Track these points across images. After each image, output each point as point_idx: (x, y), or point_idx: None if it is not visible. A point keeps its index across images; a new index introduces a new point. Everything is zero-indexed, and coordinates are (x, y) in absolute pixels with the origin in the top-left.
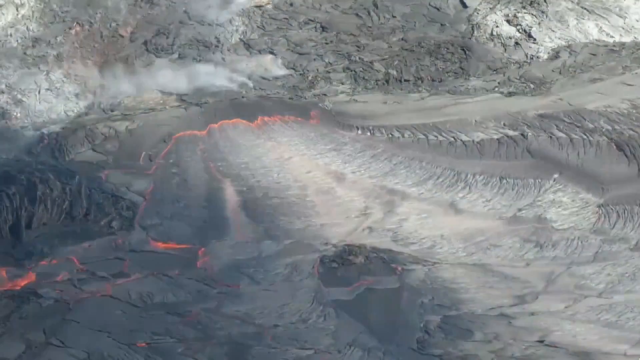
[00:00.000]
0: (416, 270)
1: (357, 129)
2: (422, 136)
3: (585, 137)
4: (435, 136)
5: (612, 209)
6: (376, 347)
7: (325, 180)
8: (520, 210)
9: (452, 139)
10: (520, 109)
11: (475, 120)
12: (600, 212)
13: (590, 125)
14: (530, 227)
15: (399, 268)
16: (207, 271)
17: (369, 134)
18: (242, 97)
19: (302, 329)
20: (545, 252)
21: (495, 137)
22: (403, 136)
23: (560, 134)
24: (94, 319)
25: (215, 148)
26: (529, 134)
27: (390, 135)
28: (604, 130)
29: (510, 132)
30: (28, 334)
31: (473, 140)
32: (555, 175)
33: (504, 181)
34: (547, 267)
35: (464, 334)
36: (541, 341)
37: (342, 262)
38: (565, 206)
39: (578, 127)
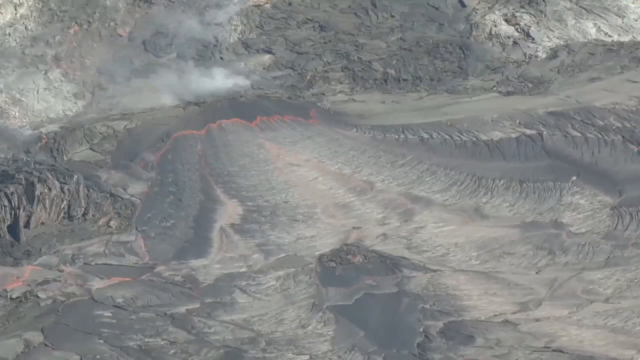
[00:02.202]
0: (417, 276)
1: (395, 132)
2: (447, 137)
3: (600, 135)
4: (459, 137)
5: (625, 210)
6: (376, 351)
7: (345, 195)
8: (540, 214)
9: (474, 139)
10: (530, 107)
11: (492, 119)
12: (614, 214)
13: (601, 123)
14: (542, 233)
15: (399, 275)
16: (194, 284)
17: (402, 136)
18: (241, 96)
19: (301, 335)
20: (557, 258)
21: (514, 135)
22: (432, 137)
23: (575, 133)
24: (84, 322)
25: (221, 169)
26: (544, 132)
27: (421, 138)
28: (614, 127)
29: (528, 131)
30: (26, 334)
31: (492, 140)
32: (574, 178)
33: (524, 185)
34: (554, 274)
35: (465, 339)
36: (547, 346)
37: (341, 262)
38: (582, 209)
39: (588, 124)
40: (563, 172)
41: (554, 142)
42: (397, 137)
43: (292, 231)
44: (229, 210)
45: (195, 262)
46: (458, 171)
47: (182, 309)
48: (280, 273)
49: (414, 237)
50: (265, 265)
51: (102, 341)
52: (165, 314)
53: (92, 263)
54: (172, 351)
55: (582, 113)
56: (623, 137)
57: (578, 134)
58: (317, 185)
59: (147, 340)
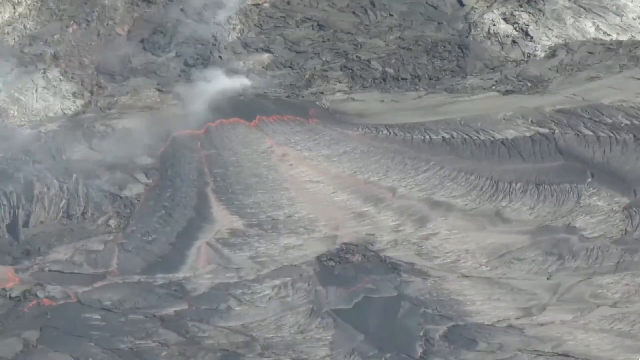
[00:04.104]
0: (415, 281)
1: (420, 134)
2: (467, 137)
3: (612, 134)
4: (477, 136)
5: (635, 211)
6: (376, 355)
7: (363, 205)
8: (559, 217)
9: (491, 139)
10: (538, 105)
11: (504, 118)
12: (625, 214)
13: (609, 120)
14: (554, 238)
15: (398, 278)
16: (179, 287)
17: (427, 137)
18: (240, 95)
19: (299, 339)
20: (567, 263)
21: (528, 134)
22: (452, 136)
23: (587, 132)
24: (74, 325)
25: (227, 187)
26: (556, 131)
27: (443, 138)
28: (622, 125)
29: (541, 130)
30: (25, 333)
31: (507, 138)
32: (589, 179)
33: (541, 187)
34: (562, 279)
35: (467, 343)
36: (554, 351)
37: (340, 261)
38: (598, 212)
39: (597, 122)
40: (578, 174)
41: (566, 141)
42: (422, 138)
43: (278, 242)
44: (221, 226)
45: (163, 277)
46: (477, 175)
47: (170, 311)
48: (277, 282)
49: (425, 244)
50: (260, 275)
51: (93, 344)
52: (154, 316)
53: (46, 270)
54: (163, 353)
55: (590, 111)
56: (634, 135)
57: (590, 133)
58: (334, 199)
59: (137, 342)
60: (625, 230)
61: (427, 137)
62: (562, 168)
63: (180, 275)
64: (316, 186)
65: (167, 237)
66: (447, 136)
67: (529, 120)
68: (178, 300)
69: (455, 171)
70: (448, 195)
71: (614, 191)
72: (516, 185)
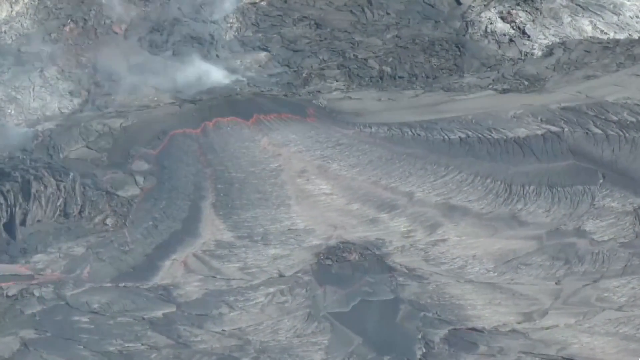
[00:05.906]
0: (411, 285)
1: (439, 133)
2: (481, 136)
3: (621, 133)
4: (490, 135)
5: None
6: (374, 358)
7: (376, 213)
8: (575, 219)
9: (505, 137)
10: (544, 103)
11: (514, 116)
12: (635, 216)
13: (615, 118)
14: (563, 242)
15: (394, 281)
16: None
17: (445, 137)
18: (237, 94)
19: (295, 343)
20: (575, 267)
21: (539, 132)
22: (468, 136)
23: (597, 130)
24: (63, 328)
25: (228, 201)
26: (565, 129)
27: (460, 138)
28: (629, 122)
29: (553, 128)
30: (22, 331)
31: (519, 137)
32: (601, 180)
33: (554, 190)
34: (568, 283)
35: (467, 346)
36: (558, 354)
37: (337, 259)
38: (610, 213)
39: (603, 119)
40: (589, 175)
41: (575, 139)
42: (442, 138)
43: (265, 252)
44: (205, 239)
45: (142, 285)
46: (493, 179)
47: (158, 313)
48: (271, 290)
49: (432, 250)
50: (254, 284)
51: (82, 347)
52: (143, 319)
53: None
54: (153, 355)
55: (595, 108)
56: None
57: (599, 131)
58: (348, 208)
59: (127, 345)
60: (636, 233)
61: (446, 137)
62: (573, 169)
63: (149, 284)
64: (329, 198)
65: (144, 249)
66: (463, 136)
67: (539, 118)
68: (166, 304)
69: (472, 175)
70: (464, 199)
71: (627, 192)
72: (529, 187)
